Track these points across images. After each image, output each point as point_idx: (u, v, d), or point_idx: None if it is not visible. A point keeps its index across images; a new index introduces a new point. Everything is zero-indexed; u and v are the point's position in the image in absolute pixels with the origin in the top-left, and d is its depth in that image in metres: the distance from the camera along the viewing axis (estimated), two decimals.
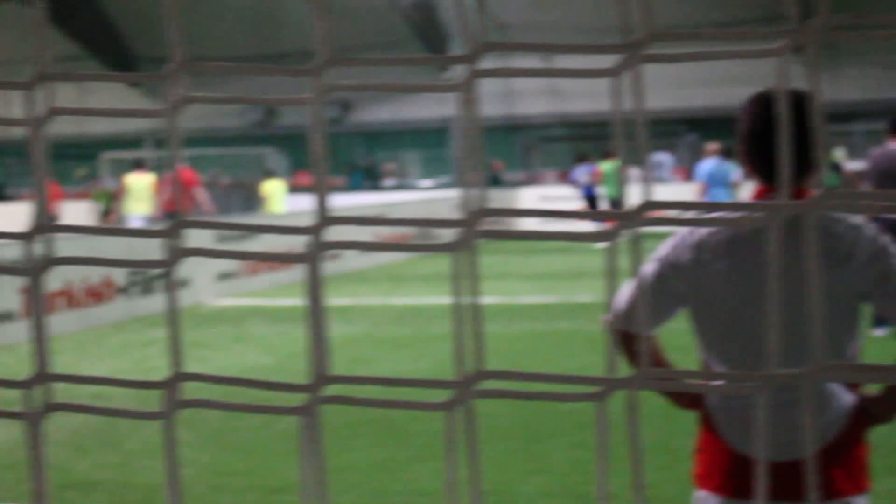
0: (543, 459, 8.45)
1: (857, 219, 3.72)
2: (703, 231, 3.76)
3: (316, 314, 1.11)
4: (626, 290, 3.78)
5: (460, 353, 1.11)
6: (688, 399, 3.91)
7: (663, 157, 36.62)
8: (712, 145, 23.06)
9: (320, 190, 1.17)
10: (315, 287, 1.11)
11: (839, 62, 39.59)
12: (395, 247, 1.15)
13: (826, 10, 1.04)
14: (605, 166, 28.83)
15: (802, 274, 3.62)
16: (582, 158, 31.39)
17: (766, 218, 1.09)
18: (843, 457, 3.72)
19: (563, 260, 24.08)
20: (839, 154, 32.23)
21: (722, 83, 38.94)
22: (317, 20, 1.10)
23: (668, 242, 3.79)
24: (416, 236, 27.61)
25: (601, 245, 16.37)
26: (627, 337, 3.78)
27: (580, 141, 41.09)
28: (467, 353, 1.10)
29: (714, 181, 22.23)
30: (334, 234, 1.14)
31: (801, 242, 3.63)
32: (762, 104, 3.69)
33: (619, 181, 1.20)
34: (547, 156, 43.68)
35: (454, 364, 1.15)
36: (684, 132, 40.81)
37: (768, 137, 3.66)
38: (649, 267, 3.78)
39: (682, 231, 3.82)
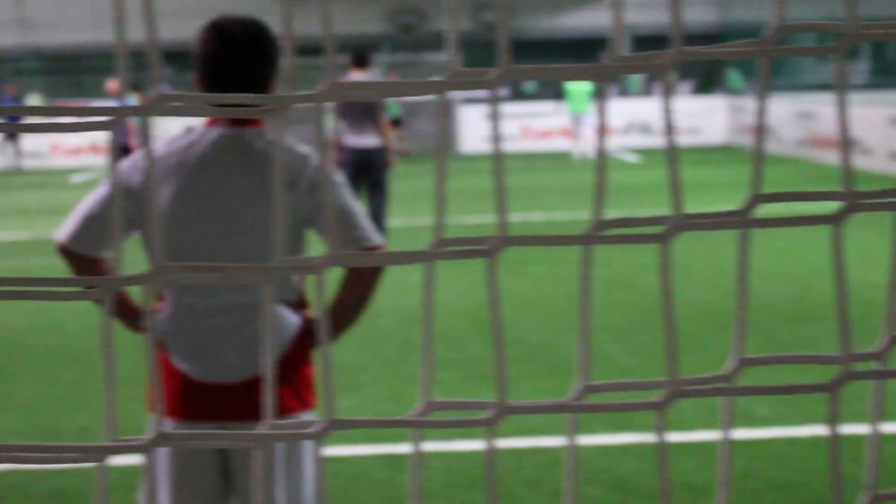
0: (9, 398, 8.22)
1: (305, 148, 3.78)
2: (155, 155, 3.73)
3: None
4: (77, 210, 3.73)
5: None
6: (135, 322, 3.90)
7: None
8: (112, 82, 22.45)
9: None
10: None
11: None
12: None
13: None
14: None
15: (243, 197, 3.69)
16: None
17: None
18: (290, 376, 3.81)
19: (37, 195, 23.35)
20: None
21: (196, 15, 38.82)
22: None
23: (122, 165, 3.75)
24: None
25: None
26: (76, 258, 3.74)
27: (55, 74, 39.83)
28: None
29: None
30: None
31: (244, 167, 3.71)
32: (213, 32, 3.67)
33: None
34: (22, 89, 42.00)
35: None
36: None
37: (218, 65, 3.67)
38: (100, 189, 3.72)
39: (137, 155, 3.80)
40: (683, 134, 32.78)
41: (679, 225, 0.81)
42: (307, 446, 3.88)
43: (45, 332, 10.37)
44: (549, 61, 40.53)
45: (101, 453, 1.03)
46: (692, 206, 18.12)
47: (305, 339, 3.84)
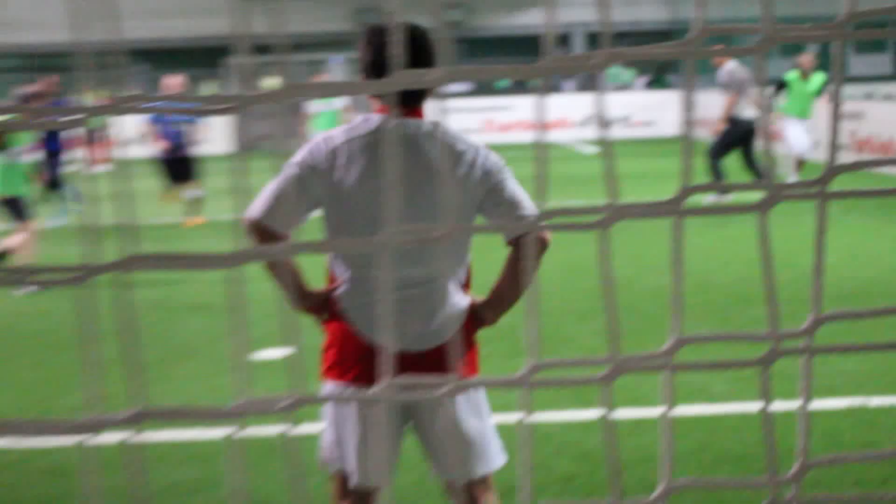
0: (9, 377, 8.29)
1: (473, 139, 4.01)
2: (337, 139, 3.93)
3: None
4: (267, 190, 3.92)
5: None
6: (313, 305, 4.05)
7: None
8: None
9: None
10: None
11: None
12: None
13: None
14: None
15: (414, 180, 3.87)
16: None
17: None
18: (458, 353, 4.04)
19: None
20: None
21: (172, 15, 38.69)
22: None
23: (303, 149, 3.95)
24: None
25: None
26: (265, 233, 3.90)
27: (34, 72, 39.57)
28: None
29: None
30: None
31: (414, 153, 3.88)
32: (378, 35, 3.88)
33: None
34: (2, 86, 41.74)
35: None
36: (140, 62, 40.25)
37: (384, 64, 3.86)
38: (289, 170, 3.91)
39: (315, 138, 3.98)
40: (638, 126, 32.88)
41: (615, 214, 0.84)
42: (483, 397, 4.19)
43: (35, 319, 10.39)
44: (505, 59, 40.48)
45: (90, 428, 1.06)
46: (647, 195, 18.16)
47: (472, 320, 4.07)
